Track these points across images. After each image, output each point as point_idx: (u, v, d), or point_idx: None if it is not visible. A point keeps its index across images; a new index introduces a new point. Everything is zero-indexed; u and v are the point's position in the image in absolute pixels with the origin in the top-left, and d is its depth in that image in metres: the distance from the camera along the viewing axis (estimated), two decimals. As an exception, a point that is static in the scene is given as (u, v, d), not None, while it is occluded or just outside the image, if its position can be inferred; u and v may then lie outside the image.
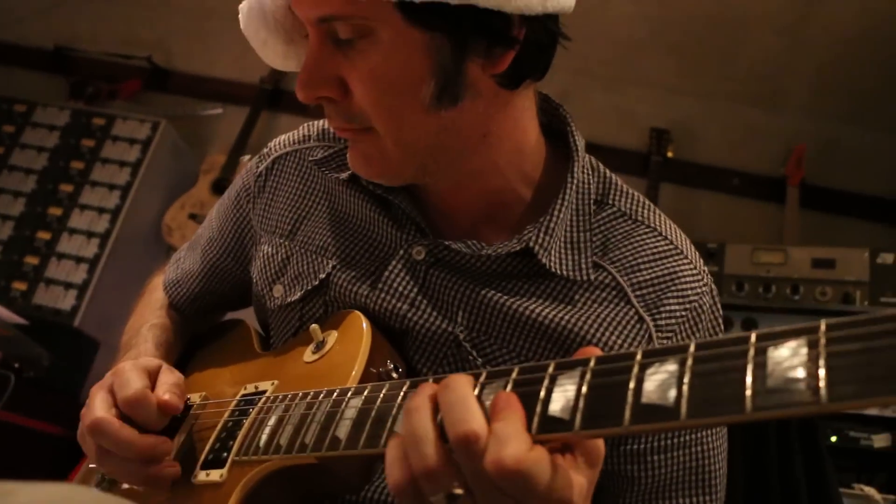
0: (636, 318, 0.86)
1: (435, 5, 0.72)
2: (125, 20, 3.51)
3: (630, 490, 0.87)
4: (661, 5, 2.91)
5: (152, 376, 0.89)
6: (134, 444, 0.80)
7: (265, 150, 1.10)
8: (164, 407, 0.84)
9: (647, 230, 0.91)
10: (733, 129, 3.26)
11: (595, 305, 0.86)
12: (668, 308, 0.86)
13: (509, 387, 0.59)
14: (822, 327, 0.45)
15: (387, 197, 0.93)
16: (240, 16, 0.90)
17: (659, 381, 0.51)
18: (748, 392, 0.46)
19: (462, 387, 0.57)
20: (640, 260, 0.88)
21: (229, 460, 0.79)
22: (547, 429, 0.55)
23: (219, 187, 3.10)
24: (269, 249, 1.01)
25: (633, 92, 3.24)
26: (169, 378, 0.89)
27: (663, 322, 0.86)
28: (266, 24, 0.88)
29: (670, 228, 0.93)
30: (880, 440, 2.08)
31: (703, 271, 0.91)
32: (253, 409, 0.83)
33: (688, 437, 0.86)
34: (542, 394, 0.56)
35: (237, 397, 0.89)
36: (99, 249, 2.82)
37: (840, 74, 3.01)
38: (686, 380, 0.50)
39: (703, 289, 0.89)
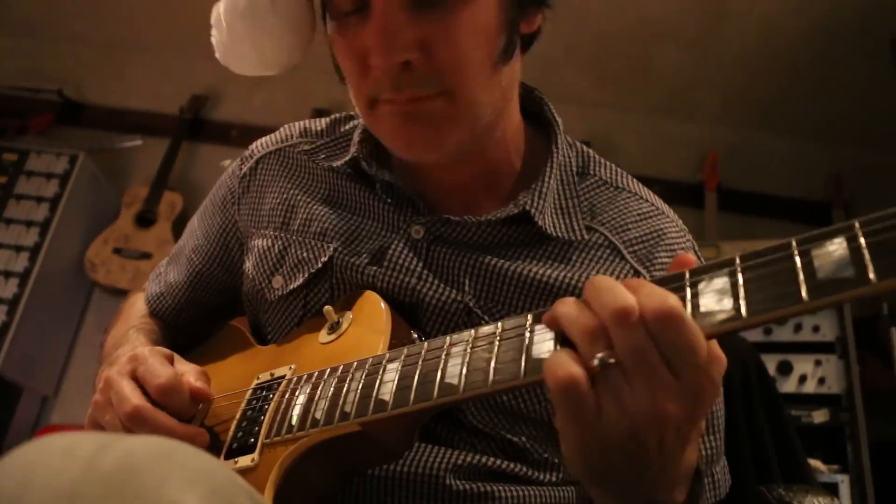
0: (632, 271, 0.90)
1: None
2: (31, 55, 3.37)
3: None
4: (575, 22, 3.01)
5: (170, 363, 0.86)
6: (177, 434, 0.77)
7: (247, 153, 1.09)
8: (197, 394, 0.82)
9: (629, 195, 0.96)
10: (651, 139, 3.41)
11: (592, 263, 0.90)
12: (659, 261, 0.91)
13: None
14: (857, 223, 0.50)
15: (382, 179, 0.94)
16: (229, 13, 0.89)
17: (715, 289, 0.55)
18: (803, 287, 0.50)
19: (605, 278, 0.57)
20: (627, 220, 0.93)
21: (259, 444, 0.76)
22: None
23: (143, 219, 3.01)
24: (265, 243, 0.99)
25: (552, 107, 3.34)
26: (188, 366, 0.86)
27: (657, 273, 0.90)
28: (277, 14, 0.87)
29: (649, 192, 0.99)
30: (819, 415, 2.19)
31: (684, 229, 0.97)
32: (274, 394, 0.81)
33: None
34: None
35: (251, 387, 0.86)
36: (18, 289, 2.66)
37: (746, 83, 3.19)
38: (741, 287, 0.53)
39: (688, 243, 0.96)
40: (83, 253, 2.92)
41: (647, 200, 0.96)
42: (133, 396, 0.78)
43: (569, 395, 0.54)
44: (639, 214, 0.94)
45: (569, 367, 0.54)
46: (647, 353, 0.53)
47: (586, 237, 0.91)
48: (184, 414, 0.81)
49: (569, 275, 0.88)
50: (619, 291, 0.54)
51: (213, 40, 0.93)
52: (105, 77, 3.38)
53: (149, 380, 0.80)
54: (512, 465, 0.86)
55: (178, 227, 3.05)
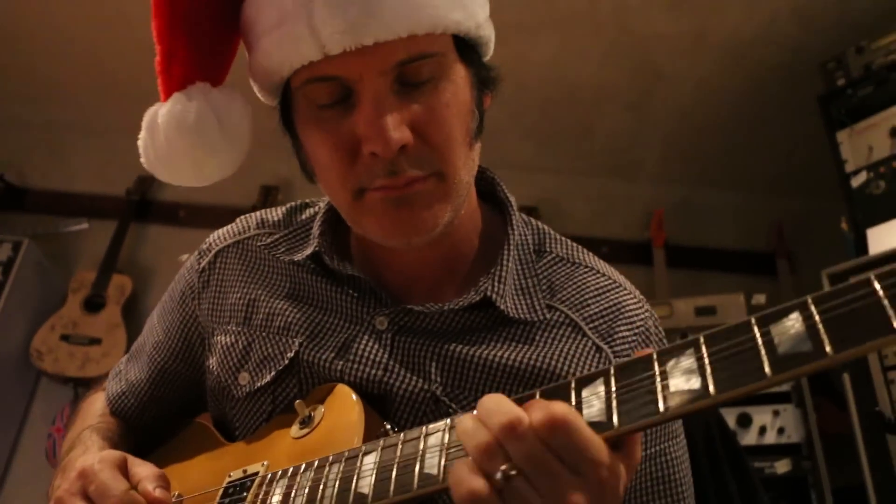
0: (594, 347, 0.91)
1: (469, 42, 0.85)
2: (-30, 141, 3.32)
3: None
4: (516, 90, 3.09)
5: (122, 472, 0.82)
6: None
7: (204, 246, 1.08)
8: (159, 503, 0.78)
9: (585, 269, 0.97)
10: (597, 200, 3.49)
11: (555, 342, 0.90)
12: (620, 335, 0.92)
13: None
14: (810, 300, 0.53)
15: (344, 272, 0.94)
16: (172, 127, 0.86)
17: (683, 371, 0.56)
18: (765, 361, 0.52)
19: (494, 396, 0.60)
20: (586, 296, 0.94)
21: (233, 546, 0.74)
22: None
23: (91, 304, 2.94)
24: (227, 339, 0.98)
25: (498, 174, 3.39)
26: (144, 470, 0.82)
27: (619, 348, 0.91)
28: (224, 133, 0.87)
29: (605, 266, 1.01)
30: (782, 466, 2.22)
31: (642, 299, 0.99)
32: (248, 492, 0.79)
33: (652, 450, 0.90)
34: (574, 403, 0.60)
35: (223, 485, 0.84)
36: (-39, 383, 2.57)
37: (685, 142, 3.31)
38: (707, 365, 0.55)
39: (646, 314, 0.97)
40: (28, 341, 2.83)
41: (603, 274, 0.98)
42: None
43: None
44: (596, 289, 0.95)
45: (470, 482, 0.57)
46: (543, 459, 0.56)
47: (547, 316, 0.92)
48: None
49: (533, 355, 0.89)
50: (507, 407, 0.58)
51: (141, 143, 0.90)
52: (48, 160, 3.33)
53: (102, 499, 0.77)
54: None
55: (129, 311, 2.99)
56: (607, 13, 2.77)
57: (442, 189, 0.84)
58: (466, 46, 0.86)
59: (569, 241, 1.02)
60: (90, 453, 0.92)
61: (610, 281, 0.97)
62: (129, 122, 3.37)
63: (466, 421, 0.60)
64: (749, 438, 2.29)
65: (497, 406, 0.58)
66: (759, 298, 2.45)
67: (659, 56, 2.93)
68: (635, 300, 0.97)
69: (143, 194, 3.26)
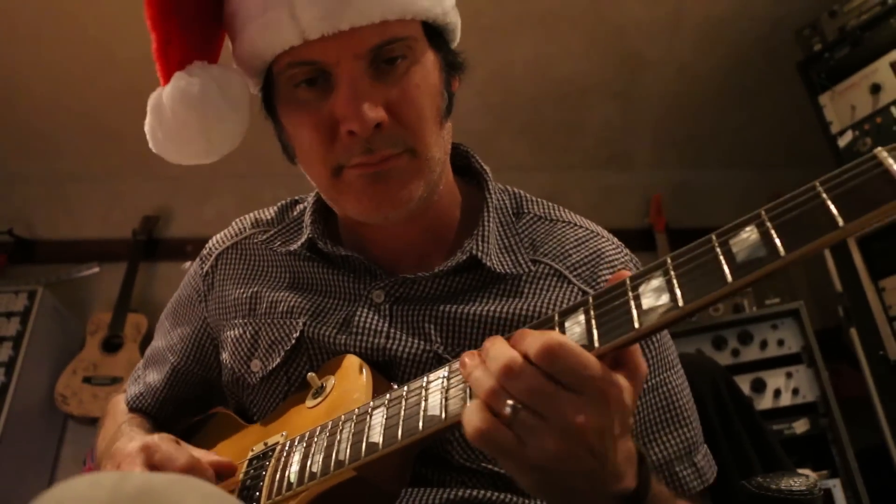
0: (580, 292, 0.96)
1: (437, 28, 0.92)
2: (-23, 200, 3.41)
3: None
4: (503, 93, 3.15)
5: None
6: None
7: (205, 252, 1.14)
8: (221, 466, 0.84)
9: (564, 224, 1.03)
10: (594, 193, 3.53)
11: (543, 292, 0.95)
12: (603, 278, 0.97)
13: None
14: (762, 211, 0.58)
15: (338, 254, 0.99)
16: (177, 101, 0.91)
17: (653, 289, 0.61)
18: (726, 270, 0.57)
19: (493, 339, 0.64)
20: (567, 247, 0.99)
21: (260, 509, 0.79)
22: None
23: (110, 345, 3.00)
24: (235, 332, 1.03)
25: (494, 177, 3.44)
26: (198, 449, 0.89)
27: None
28: (227, 100, 0.93)
29: (582, 219, 1.06)
30: (800, 425, 2.23)
31: (621, 245, 1.04)
32: (270, 461, 0.84)
33: (653, 381, 0.95)
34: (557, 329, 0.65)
35: (246, 459, 0.89)
36: (-9, 432, 2.62)
37: (675, 125, 3.35)
38: (675, 280, 0.59)
39: (626, 257, 1.02)
40: (52, 387, 2.89)
41: (581, 227, 1.03)
42: None
43: (487, 442, 0.61)
44: (576, 240, 1.00)
45: (478, 421, 0.61)
46: (543, 388, 0.60)
47: (533, 269, 0.97)
48: None
49: (523, 306, 0.94)
50: (501, 352, 0.62)
51: (148, 128, 0.94)
52: (54, 211, 3.41)
53: (168, 466, 0.82)
54: (501, 496, 0.89)
55: (146, 348, 3.03)
56: (583, 6, 2.83)
57: (415, 165, 0.89)
58: (435, 32, 0.93)
59: (544, 201, 1.07)
60: (141, 436, 0.97)
61: (588, 231, 1.02)
62: (129, 166, 3.45)
63: (473, 364, 0.64)
64: (765, 402, 2.31)
65: (495, 350, 0.62)
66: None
67: (638, 43, 2.98)
68: (614, 246, 1.02)
69: (149, 234, 3.33)
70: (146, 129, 0.95)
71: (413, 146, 0.89)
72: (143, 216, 3.37)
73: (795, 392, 2.29)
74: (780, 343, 2.37)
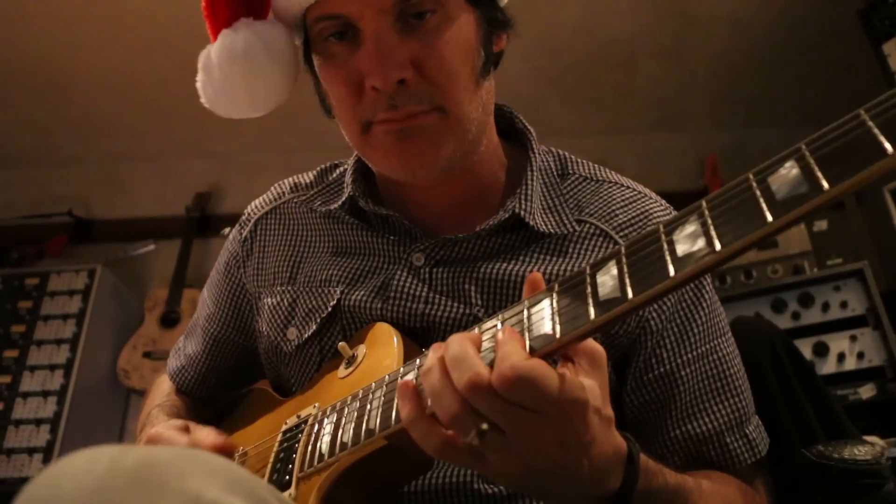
0: None
1: None
2: (38, 182, 3.49)
3: (669, 413, 0.90)
4: (550, 57, 3.09)
5: (185, 434, 0.88)
6: None
7: (244, 217, 1.13)
8: (220, 447, 0.83)
9: (610, 185, 1.00)
10: (647, 155, 3.44)
11: (587, 252, 0.93)
12: None
13: (501, 325, 0.64)
14: (803, 144, 0.54)
15: (378, 213, 0.97)
16: (223, 57, 0.92)
17: (688, 235, 0.57)
18: (766, 209, 0.52)
19: (460, 343, 0.62)
20: (613, 208, 0.97)
21: (294, 479, 0.78)
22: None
23: (167, 320, 3.06)
24: (273, 300, 1.03)
25: (545, 143, 3.37)
26: (205, 431, 0.88)
27: None
28: (271, 56, 0.92)
29: (628, 180, 1.03)
30: (867, 391, 2.15)
31: (669, 206, 1.00)
32: (302, 433, 0.83)
33: (705, 348, 0.92)
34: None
35: (280, 432, 0.88)
36: (58, 407, 2.70)
37: (728, 83, 3.24)
38: (711, 224, 0.56)
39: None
40: (115, 362, 2.97)
41: (628, 187, 1.00)
42: None
43: (448, 457, 0.62)
44: (623, 200, 0.97)
45: (436, 439, 0.62)
46: (504, 410, 0.58)
47: (578, 229, 0.94)
48: None
49: (568, 266, 0.91)
50: (469, 363, 0.60)
51: (199, 85, 0.96)
52: (110, 191, 3.48)
53: None
54: None
55: (202, 322, 3.10)
56: (628, -37, 2.74)
57: (445, 124, 0.87)
58: None
59: (590, 163, 1.04)
60: (160, 425, 0.98)
61: (635, 192, 0.99)
62: (180, 144, 3.51)
63: (434, 379, 0.62)
64: (828, 367, 2.23)
65: (462, 357, 0.60)
66: (821, 225, 2.38)
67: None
68: (661, 206, 0.98)
69: (202, 210, 3.38)
70: (198, 85, 0.96)
71: (442, 104, 0.86)
72: (196, 193, 3.42)
73: (860, 356, 2.20)
74: (844, 305, 2.28)
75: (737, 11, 2.92)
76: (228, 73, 0.93)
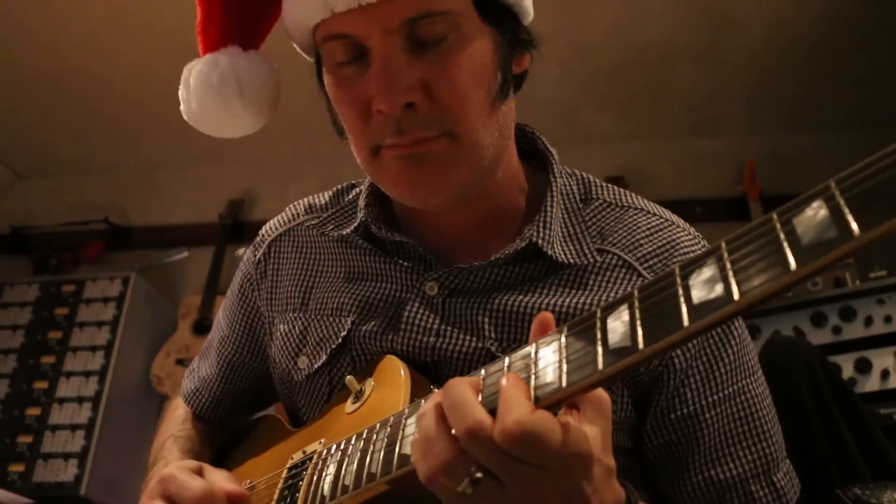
0: None
1: (496, 3, 0.84)
2: (75, 191, 3.55)
3: (691, 456, 0.86)
4: (583, 62, 3.04)
5: (199, 475, 0.87)
6: None
7: (258, 239, 1.11)
8: (233, 497, 0.82)
9: (635, 211, 0.95)
10: (684, 161, 3.37)
11: (609, 284, 0.88)
12: None
13: (506, 371, 0.61)
14: (832, 182, 0.49)
15: (392, 239, 0.94)
16: (199, 83, 0.92)
17: (705, 281, 0.53)
18: (790, 255, 0.48)
19: (459, 387, 0.59)
20: (638, 237, 0.92)
21: (297, 520, 0.76)
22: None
23: (200, 328, 3.08)
24: (286, 326, 1.01)
25: (579, 149, 3.31)
26: (218, 474, 0.87)
27: None
28: (244, 96, 0.92)
29: (655, 206, 0.98)
30: (911, 409, 2.07)
31: (698, 235, 0.95)
32: (306, 471, 0.81)
33: (732, 389, 0.87)
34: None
35: (286, 468, 0.86)
36: (92, 413, 2.74)
37: (766, 86, 3.15)
38: (730, 270, 0.51)
39: (701, 249, 0.92)
40: (148, 369, 3.01)
41: (655, 214, 0.95)
42: None
43: (439, 493, 0.59)
44: (648, 229, 0.92)
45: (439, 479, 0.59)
46: (503, 462, 0.55)
47: (599, 259, 0.90)
48: None
49: (587, 300, 0.87)
50: (469, 411, 0.57)
51: (181, 96, 0.96)
52: (145, 198, 3.53)
53: (180, 496, 0.81)
54: None
55: (234, 329, 3.12)
56: (662, -35, 2.68)
57: (456, 150, 0.83)
58: (492, 6, 0.85)
59: (615, 187, 0.99)
60: (172, 462, 0.98)
61: (662, 220, 0.94)
62: (213, 152, 3.54)
63: (428, 423, 0.60)
64: (871, 385, 2.15)
65: (461, 403, 0.58)
66: (864, 235, 2.29)
67: (722, 1, 2.80)
68: (689, 236, 0.93)
69: (235, 217, 3.40)
70: (179, 95, 0.97)
71: (452, 129, 0.82)
72: (229, 200, 3.44)
73: (905, 372, 2.12)
74: (888, 319, 2.19)
75: (777, 13, 2.84)
76: (201, 100, 0.93)
